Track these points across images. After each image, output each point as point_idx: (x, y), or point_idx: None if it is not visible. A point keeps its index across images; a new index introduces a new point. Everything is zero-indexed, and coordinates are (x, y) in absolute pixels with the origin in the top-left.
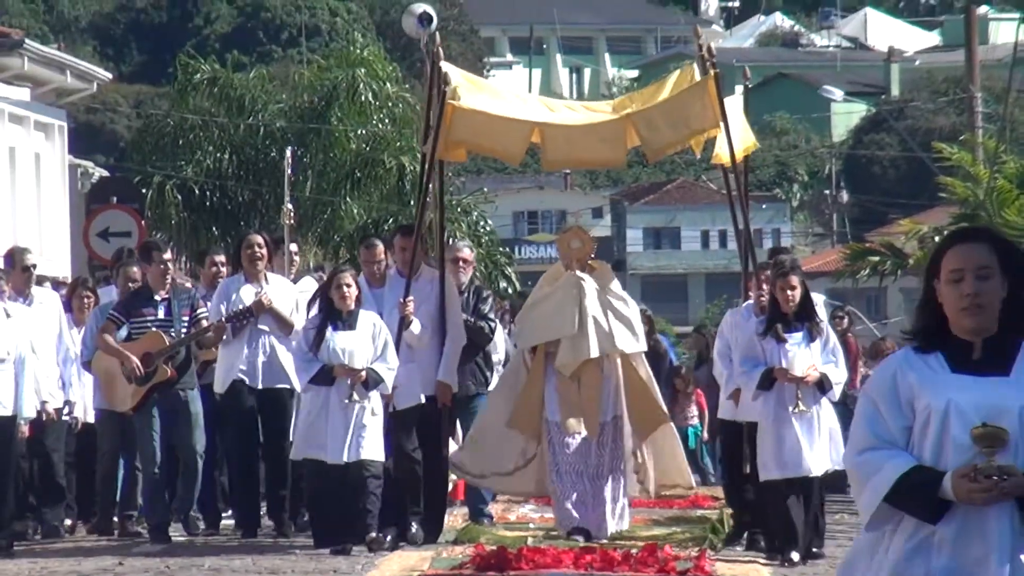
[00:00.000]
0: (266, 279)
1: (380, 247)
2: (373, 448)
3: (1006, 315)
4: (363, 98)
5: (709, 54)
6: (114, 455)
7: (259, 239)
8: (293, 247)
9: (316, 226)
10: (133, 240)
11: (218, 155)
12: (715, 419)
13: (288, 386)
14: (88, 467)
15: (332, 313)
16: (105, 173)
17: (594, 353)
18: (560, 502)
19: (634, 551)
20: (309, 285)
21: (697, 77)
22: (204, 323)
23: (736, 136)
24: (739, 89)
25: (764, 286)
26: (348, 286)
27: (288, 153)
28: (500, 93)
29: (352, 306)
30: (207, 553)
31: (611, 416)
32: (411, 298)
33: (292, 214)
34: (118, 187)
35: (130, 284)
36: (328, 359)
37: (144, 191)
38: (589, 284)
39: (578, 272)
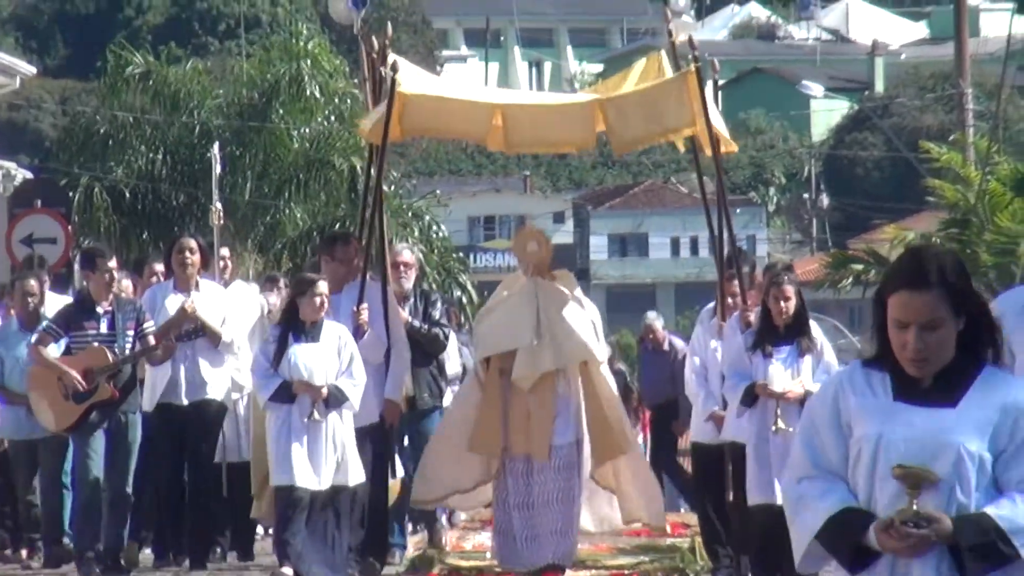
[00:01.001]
0: (197, 286)
1: (355, 244)
2: (341, 474)
3: (962, 344)
4: (308, 92)
5: (691, 46)
6: (52, 480)
7: (191, 243)
8: (225, 251)
9: (256, 232)
10: (59, 247)
11: (150, 155)
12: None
13: (217, 398)
14: None
15: (295, 324)
16: (29, 175)
17: (555, 365)
18: (500, 535)
19: None
20: (241, 291)
21: (666, 66)
22: (151, 339)
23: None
24: (709, 85)
25: (735, 297)
26: (325, 295)
27: (216, 148)
28: (452, 84)
29: (321, 317)
30: None
31: (570, 439)
32: (365, 305)
33: (221, 215)
34: (43, 190)
35: (29, 299)
36: (289, 374)
37: (71, 194)
38: (548, 290)
39: (537, 278)
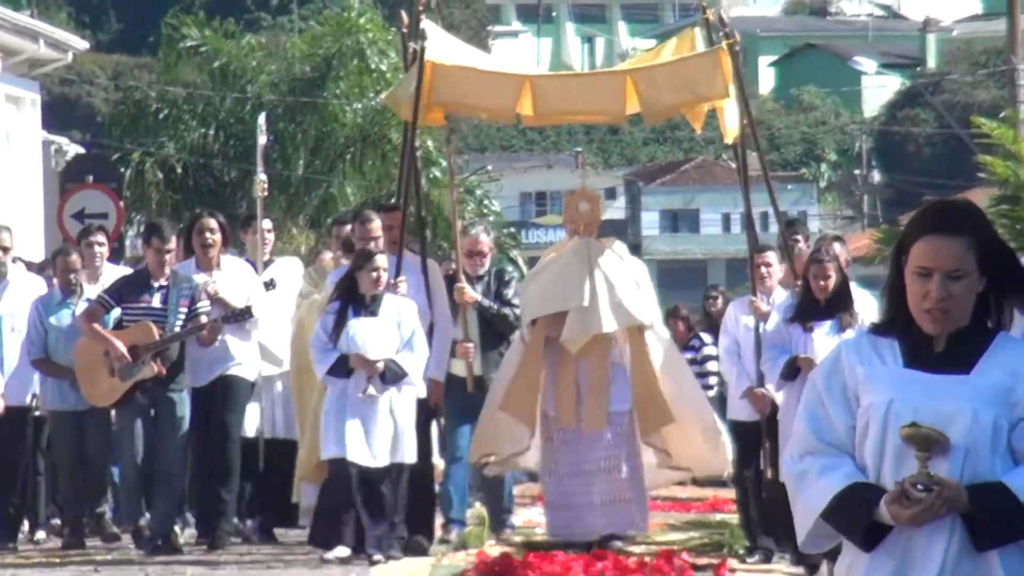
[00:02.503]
0: (219, 266)
1: (377, 222)
2: (395, 452)
3: (980, 307)
4: (371, 66)
5: (721, 23)
6: (74, 461)
7: (211, 223)
8: (267, 223)
9: (308, 207)
10: (110, 222)
11: (202, 130)
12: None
13: (243, 375)
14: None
15: (354, 297)
16: (81, 150)
17: (607, 328)
18: (552, 507)
19: (648, 558)
20: (286, 266)
21: (699, 43)
22: (204, 319)
23: (735, 111)
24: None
25: (763, 270)
26: (384, 269)
27: (262, 118)
28: (482, 57)
29: (380, 291)
30: (187, 563)
31: (627, 405)
32: (402, 278)
33: (265, 186)
34: (94, 165)
35: (71, 275)
36: (347, 348)
37: (122, 169)
38: (599, 251)
39: (588, 238)
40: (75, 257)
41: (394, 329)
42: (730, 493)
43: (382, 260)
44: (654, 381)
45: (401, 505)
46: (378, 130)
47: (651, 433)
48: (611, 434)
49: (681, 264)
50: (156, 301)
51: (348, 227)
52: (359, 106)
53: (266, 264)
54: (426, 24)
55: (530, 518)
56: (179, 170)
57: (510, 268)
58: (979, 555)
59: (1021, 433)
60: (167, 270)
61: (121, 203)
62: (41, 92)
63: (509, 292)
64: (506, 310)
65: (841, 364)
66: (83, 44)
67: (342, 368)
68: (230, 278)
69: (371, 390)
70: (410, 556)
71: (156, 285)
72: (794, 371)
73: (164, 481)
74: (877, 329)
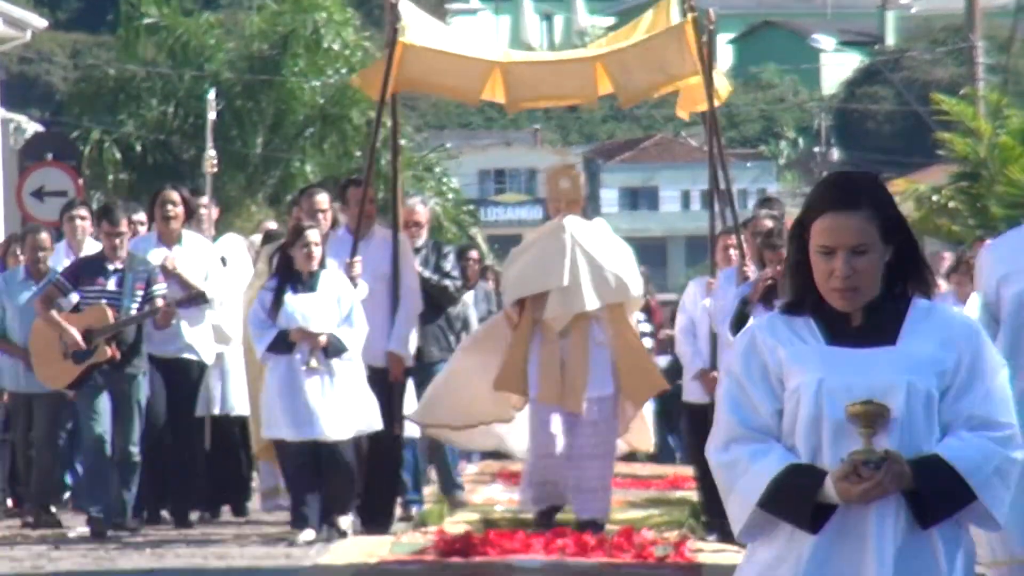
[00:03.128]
0: (180, 240)
1: (324, 196)
2: (343, 425)
3: (891, 277)
4: (325, 45)
5: None
6: (47, 440)
7: (174, 195)
8: (204, 199)
9: (267, 185)
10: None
11: (161, 109)
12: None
13: (195, 356)
14: None
15: (291, 274)
16: (40, 128)
17: (589, 306)
18: (529, 483)
19: (608, 535)
20: (231, 244)
21: (674, 16)
22: (160, 301)
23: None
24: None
25: (732, 252)
26: (316, 245)
27: (212, 93)
28: (458, 37)
29: (315, 267)
30: (147, 544)
31: (608, 391)
32: (358, 258)
33: (215, 162)
34: (54, 143)
35: (40, 253)
36: (286, 324)
37: (81, 148)
38: (580, 229)
39: (569, 216)
40: (45, 236)
41: (333, 304)
42: (689, 471)
43: (314, 235)
44: (642, 351)
45: (355, 479)
46: (338, 109)
47: (641, 403)
48: (596, 419)
49: (640, 242)
50: (111, 284)
51: (352, 189)
52: (317, 84)
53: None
54: (403, 5)
55: (490, 496)
56: (137, 148)
57: (447, 246)
58: (922, 531)
59: (949, 403)
60: (122, 253)
61: (80, 180)
62: (0, 71)
63: (447, 264)
64: (446, 282)
65: (758, 346)
66: (42, 22)
67: (282, 344)
68: (190, 253)
69: (313, 363)
70: (367, 534)
71: (111, 268)
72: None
73: (123, 466)
74: (788, 309)
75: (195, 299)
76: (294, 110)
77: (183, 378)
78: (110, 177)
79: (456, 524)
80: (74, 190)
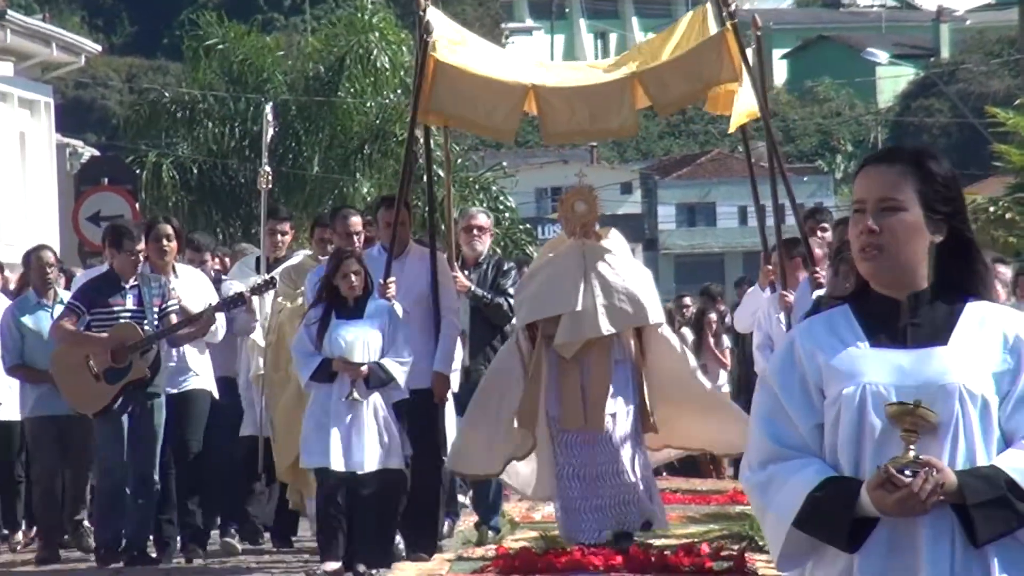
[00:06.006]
0: (174, 272)
1: (356, 219)
2: (383, 457)
3: (942, 265)
4: (378, 64)
5: (723, 3)
6: (54, 470)
7: (167, 230)
8: (284, 225)
9: (324, 206)
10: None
11: (218, 131)
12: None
13: (202, 387)
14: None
15: (337, 301)
16: (95, 152)
17: (602, 331)
18: (564, 510)
19: (668, 551)
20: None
21: (710, 21)
22: (173, 317)
23: (747, 97)
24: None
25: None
26: (356, 274)
27: (268, 108)
28: (488, 51)
29: (359, 292)
30: (163, 571)
31: (628, 406)
32: (392, 279)
33: (270, 177)
34: (110, 167)
35: (47, 269)
36: (330, 352)
37: (138, 171)
38: (595, 252)
39: (584, 240)
40: (50, 254)
41: (378, 333)
42: None
43: (353, 265)
44: (664, 378)
45: (395, 513)
46: (390, 128)
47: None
48: (616, 435)
49: (698, 258)
50: (130, 302)
51: (383, 211)
52: (372, 104)
53: (280, 262)
54: (431, 15)
55: (550, 512)
56: (195, 171)
57: (509, 263)
58: (977, 552)
59: (1011, 411)
60: (137, 271)
61: (137, 204)
62: (55, 96)
63: (506, 282)
64: (500, 299)
65: (796, 354)
66: (96, 47)
67: (325, 373)
68: (185, 286)
69: (355, 395)
70: (411, 559)
71: (127, 286)
72: None
73: (141, 491)
74: (829, 308)
75: (233, 302)
76: (348, 130)
77: (190, 411)
78: (170, 201)
79: (516, 541)
80: (130, 214)
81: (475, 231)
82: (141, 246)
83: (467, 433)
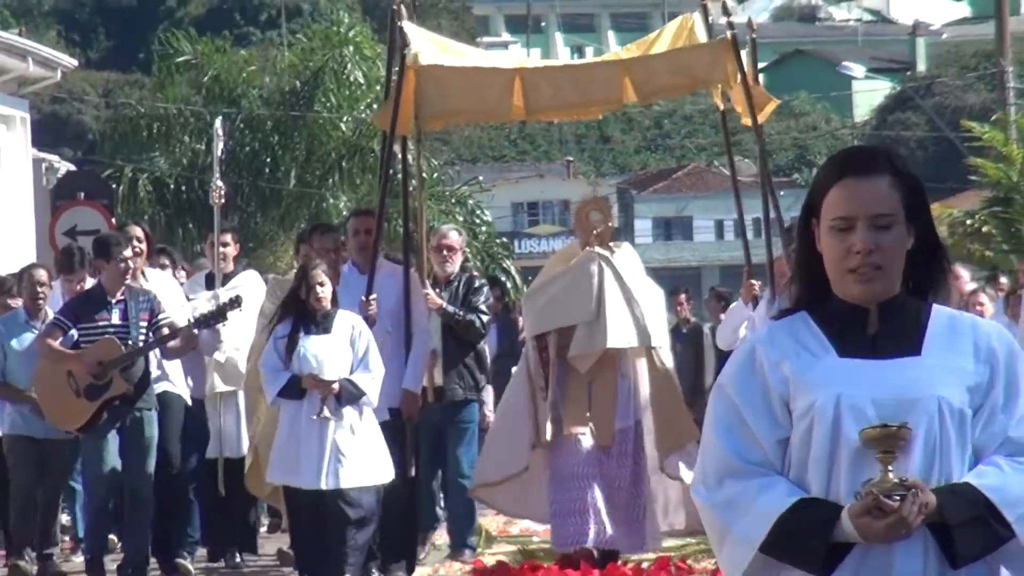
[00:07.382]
0: (145, 275)
1: (339, 234)
2: (354, 474)
3: (911, 272)
4: (351, 78)
5: (725, 12)
6: (30, 488)
7: (137, 232)
8: (227, 237)
9: (300, 220)
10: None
11: (194, 146)
12: None
13: (174, 391)
14: None
15: (305, 315)
16: (72, 167)
17: (614, 343)
18: (558, 515)
19: (645, 565)
20: (248, 281)
21: (698, 30)
22: (166, 330)
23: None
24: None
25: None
26: (322, 285)
27: (218, 123)
28: (468, 51)
29: (328, 307)
30: None
31: (631, 421)
32: (374, 296)
33: (223, 192)
34: (86, 182)
35: (39, 288)
36: (299, 368)
37: (114, 186)
38: (611, 264)
39: (599, 250)
40: (43, 273)
41: (348, 347)
42: None
43: (319, 276)
44: (672, 392)
45: (372, 529)
46: (367, 143)
47: (669, 455)
48: (617, 451)
49: (675, 272)
50: (115, 317)
51: (354, 220)
52: (348, 119)
53: (228, 277)
54: (407, 27)
55: (527, 526)
56: (171, 185)
57: (480, 280)
58: (953, 573)
59: (982, 424)
60: (124, 284)
61: (114, 219)
62: (31, 110)
63: (478, 299)
64: (472, 316)
65: (757, 363)
66: (72, 62)
67: (294, 389)
68: (157, 291)
69: (326, 412)
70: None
71: (113, 300)
72: None
73: (136, 506)
74: (786, 315)
75: (214, 317)
76: (325, 145)
77: (169, 416)
78: (146, 215)
79: (493, 555)
80: (107, 228)
81: (445, 251)
82: (129, 252)
83: (489, 446)
